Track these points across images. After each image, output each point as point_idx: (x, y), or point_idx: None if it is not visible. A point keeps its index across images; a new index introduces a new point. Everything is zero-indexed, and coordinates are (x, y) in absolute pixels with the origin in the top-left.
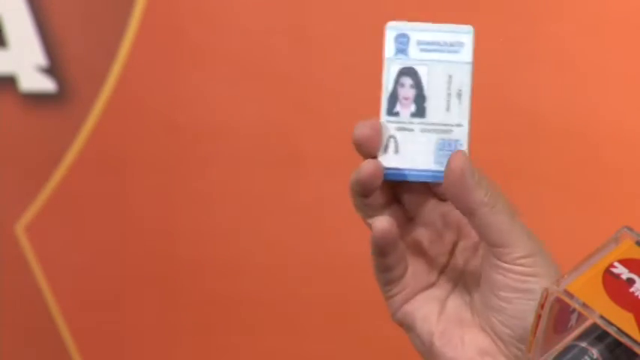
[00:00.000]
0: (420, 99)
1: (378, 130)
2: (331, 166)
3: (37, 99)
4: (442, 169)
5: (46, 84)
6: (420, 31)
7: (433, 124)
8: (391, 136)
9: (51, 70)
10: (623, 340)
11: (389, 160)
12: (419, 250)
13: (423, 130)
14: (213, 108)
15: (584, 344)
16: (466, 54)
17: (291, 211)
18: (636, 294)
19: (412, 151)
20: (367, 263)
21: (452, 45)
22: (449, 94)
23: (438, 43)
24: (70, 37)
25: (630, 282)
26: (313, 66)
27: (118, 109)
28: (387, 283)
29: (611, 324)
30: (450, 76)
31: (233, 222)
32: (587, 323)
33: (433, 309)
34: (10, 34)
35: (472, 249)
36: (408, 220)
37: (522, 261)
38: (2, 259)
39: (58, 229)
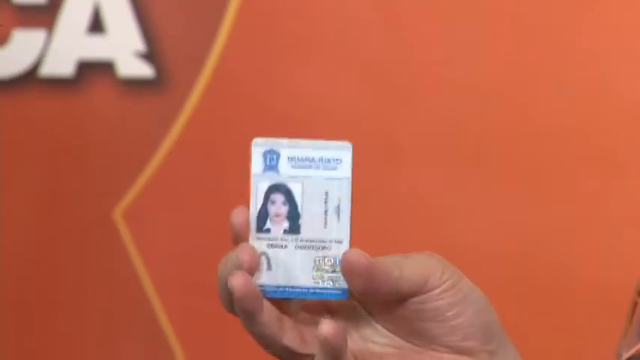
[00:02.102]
0: (293, 216)
1: (255, 254)
2: (429, 157)
3: (135, 84)
4: (322, 285)
5: (144, 69)
6: (290, 148)
7: (309, 240)
8: (262, 253)
9: (149, 56)
10: None
11: (261, 277)
12: None
13: (298, 247)
14: (311, 95)
15: None
16: (344, 170)
17: (388, 202)
18: None
19: (286, 267)
20: (469, 255)
21: (328, 161)
22: (326, 211)
23: (312, 160)
24: (168, 23)
25: None
26: (410, 56)
27: (215, 94)
28: None
29: None
30: (327, 192)
31: None
32: None
33: None
34: (109, 20)
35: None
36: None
37: (444, 277)
38: (100, 244)
39: (155, 215)
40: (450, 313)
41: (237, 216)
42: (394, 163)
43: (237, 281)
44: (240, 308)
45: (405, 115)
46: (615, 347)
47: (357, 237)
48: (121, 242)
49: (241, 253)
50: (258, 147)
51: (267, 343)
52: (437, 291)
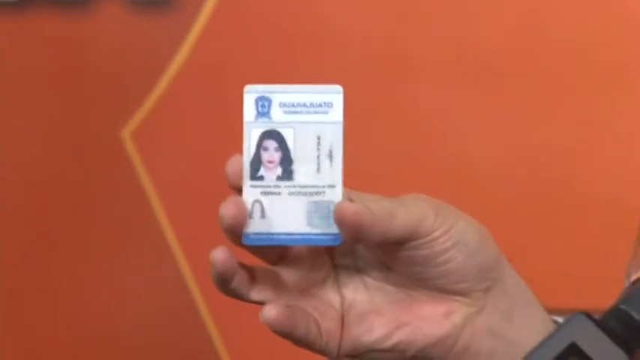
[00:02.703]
0: (286, 162)
1: (242, 205)
2: (438, 73)
3: (144, 4)
4: (316, 230)
5: None
6: (282, 93)
7: (302, 186)
8: (256, 201)
9: None
10: None
11: (254, 225)
12: (309, 296)
13: (291, 193)
14: (321, 14)
15: None
16: (336, 114)
17: (397, 117)
18: None
19: (280, 214)
20: (475, 172)
21: (319, 105)
22: (318, 156)
23: (303, 105)
24: None
25: None
26: None
27: (224, 15)
28: (310, 347)
29: None
30: (319, 137)
31: None
32: None
33: (372, 320)
34: None
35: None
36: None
37: (436, 224)
38: (109, 164)
39: (164, 135)
40: (439, 260)
41: (231, 165)
42: (403, 79)
43: (219, 257)
44: (216, 277)
45: (414, 30)
46: (625, 268)
47: (365, 151)
48: (129, 162)
49: (225, 209)
50: (250, 94)
51: (236, 298)
52: (426, 239)
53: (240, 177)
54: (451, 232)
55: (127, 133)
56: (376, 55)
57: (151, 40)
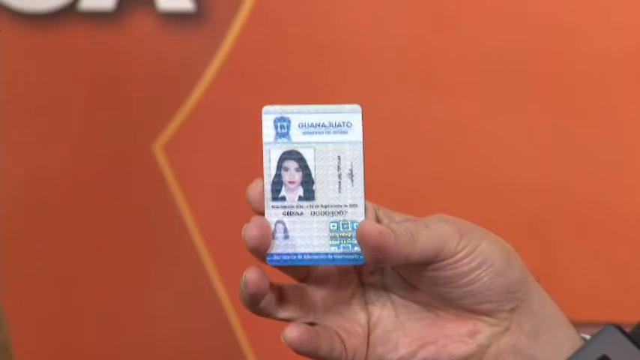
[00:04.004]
0: (307, 182)
1: (266, 227)
2: (471, 87)
3: (175, 18)
4: (339, 250)
5: (184, 3)
6: (300, 114)
7: (324, 206)
8: (279, 222)
9: None
10: None
11: (278, 246)
12: (336, 314)
13: (314, 213)
14: (352, 25)
15: None
16: (355, 133)
17: (429, 131)
18: None
19: (303, 234)
20: (509, 183)
21: (339, 125)
22: (339, 175)
23: (322, 125)
24: None
25: None
26: None
27: (255, 27)
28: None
29: None
30: (339, 157)
31: (371, 141)
32: None
33: (397, 338)
34: None
35: (377, 273)
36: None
37: (460, 246)
38: (140, 177)
39: (195, 148)
40: (463, 280)
41: (252, 190)
42: (436, 92)
43: (251, 277)
44: (246, 297)
45: (446, 43)
46: None
47: (397, 164)
48: (160, 175)
49: (248, 230)
50: (269, 115)
51: (264, 316)
52: (449, 261)
53: (261, 202)
54: (476, 253)
55: (158, 147)
56: (408, 67)
57: (181, 54)
